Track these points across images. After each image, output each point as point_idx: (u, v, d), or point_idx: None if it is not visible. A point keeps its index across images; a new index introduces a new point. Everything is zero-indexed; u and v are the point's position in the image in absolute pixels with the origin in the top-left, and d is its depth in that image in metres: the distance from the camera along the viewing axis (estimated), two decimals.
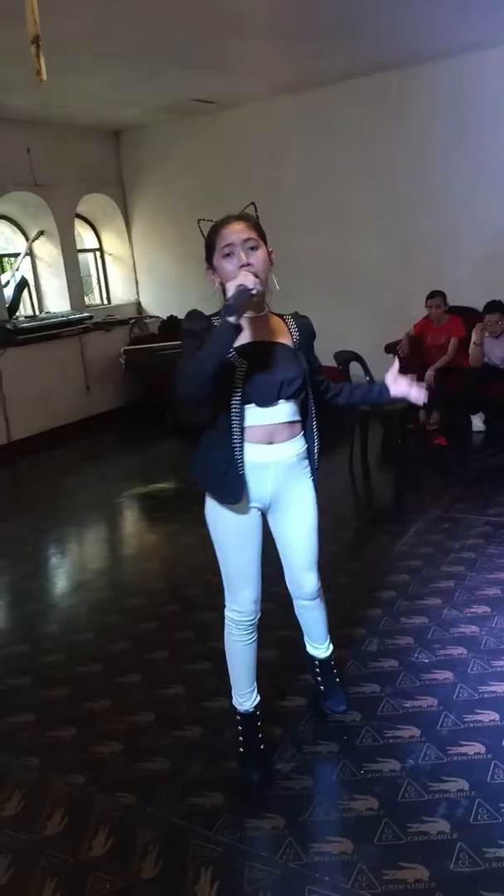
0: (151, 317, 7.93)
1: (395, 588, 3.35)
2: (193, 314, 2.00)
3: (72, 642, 3.18)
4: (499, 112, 5.70)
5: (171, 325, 7.39)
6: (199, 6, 4.08)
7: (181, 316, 7.19)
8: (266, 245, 1.98)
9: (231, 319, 1.81)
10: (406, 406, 5.49)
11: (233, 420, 2.00)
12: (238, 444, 2.02)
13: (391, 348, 6.04)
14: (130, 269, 8.07)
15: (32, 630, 3.35)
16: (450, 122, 5.92)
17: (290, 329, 2.10)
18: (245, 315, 1.92)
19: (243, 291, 1.83)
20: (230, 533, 2.13)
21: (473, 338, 5.42)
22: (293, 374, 2.01)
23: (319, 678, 2.47)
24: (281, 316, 2.12)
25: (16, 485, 5.99)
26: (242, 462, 2.04)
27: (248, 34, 4.69)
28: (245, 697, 2.28)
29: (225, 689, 2.65)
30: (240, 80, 5.90)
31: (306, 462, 2.16)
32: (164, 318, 7.58)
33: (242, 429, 2.01)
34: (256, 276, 1.88)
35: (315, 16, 4.47)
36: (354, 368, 5.43)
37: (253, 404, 2.01)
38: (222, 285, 1.96)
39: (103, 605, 3.54)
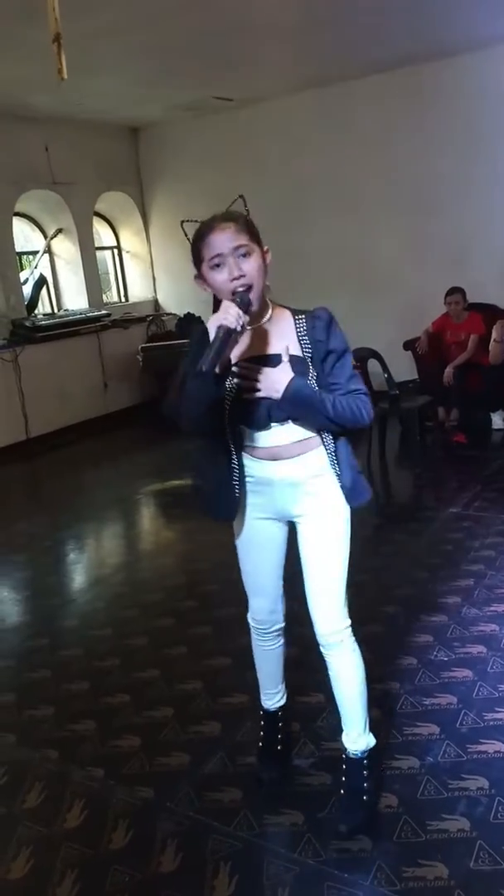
0: (169, 314, 7.95)
1: (415, 586, 3.33)
2: (196, 329, 1.80)
3: (90, 637, 3.20)
4: None
5: (188, 323, 7.40)
6: (217, 4, 4.07)
7: (198, 313, 7.21)
8: (260, 245, 1.73)
9: (204, 368, 1.59)
10: (424, 403, 5.47)
11: (228, 439, 1.85)
12: (236, 463, 1.88)
13: (410, 345, 6.01)
14: (148, 266, 8.09)
15: (51, 625, 3.37)
16: (471, 117, 5.87)
17: (297, 332, 1.80)
18: (248, 327, 1.73)
19: (227, 333, 1.60)
20: (245, 542, 2.04)
21: (494, 335, 5.38)
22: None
23: (343, 777, 2.06)
24: (295, 314, 1.83)
25: (34, 481, 6.03)
26: (241, 480, 1.89)
27: (266, 31, 4.68)
28: (268, 697, 2.26)
29: (242, 685, 2.67)
30: (258, 77, 5.89)
31: (328, 476, 1.88)
32: (182, 315, 7.60)
33: (241, 446, 1.86)
34: (248, 290, 1.67)
35: (333, 13, 4.45)
36: (373, 366, 5.41)
37: (246, 427, 1.83)
38: (215, 297, 1.76)
39: (121, 600, 3.56)
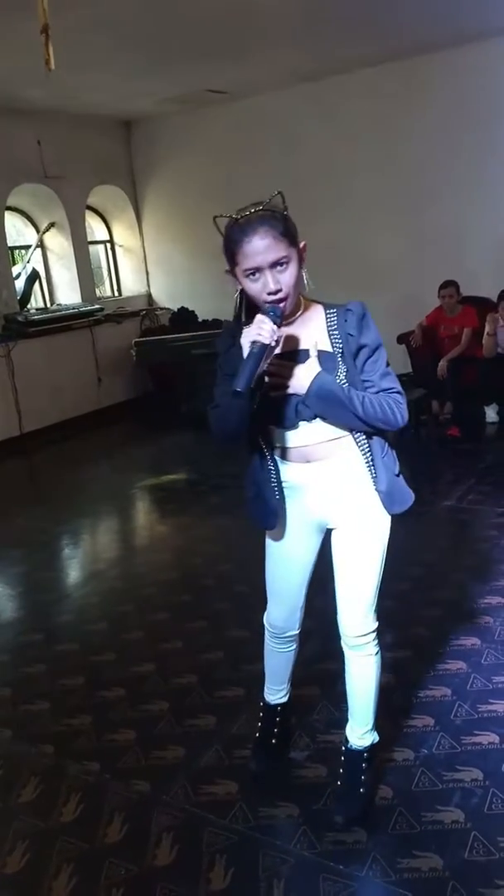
0: (162, 308, 7.93)
1: (410, 579, 3.33)
2: (223, 330, 1.79)
3: (86, 631, 3.20)
4: None
5: (181, 317, 7.39)
6: None
7: (192, 307, 7.18)
8: (297, 244, 1.67)
9: (239, 388, 1.57)
10: (419, 396, 5.48)
11: (261, 441, 1.84)
12: (273, 466, 1.84)
13: (403, 339, 6.01)
14: (141, 260, 8.07)
15: (47, 619, 3.37)
16: (466, 110, 5.86)
17: (328, 327, 1.76)
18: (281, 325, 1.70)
19: (262, 349, 1.59)
20: (271, 545, 2.01)
21: (487, 328, 5.38)
22: None
23: (341, 769, 2.08)
24: (327, 308, 1.78)
25: (28, 476, 6.02)
26: (279, 484, 1.85)
27: (260, 23, 4.66)
28: (271, 692, 2.26)
29: (237, 679, 2.68)
30: (253, 69, 5.86)
31: (364, 480, 1.82)
32: (175, 309, 7.57)
33: (273, 447, 1.83)
34: (282, 301, 1.65)
35: (327, 5, 4.43)
36: None
37: (275, 426, 1.80)
38: (243, 292, 1.73)
39: (117, 595, 3.55)
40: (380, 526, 1.88)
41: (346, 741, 2.09)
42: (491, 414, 5.71)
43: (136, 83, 5.94)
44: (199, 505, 4.74)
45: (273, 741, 2.26)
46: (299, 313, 1.77)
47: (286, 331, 1.75)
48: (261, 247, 1.60)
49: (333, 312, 1.76)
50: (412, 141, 6.14)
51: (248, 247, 1.61)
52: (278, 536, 1.98)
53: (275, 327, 1.60)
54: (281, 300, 1.65)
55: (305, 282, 1.71)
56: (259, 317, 1.62)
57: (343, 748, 2.10)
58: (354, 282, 6.60)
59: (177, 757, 2.33)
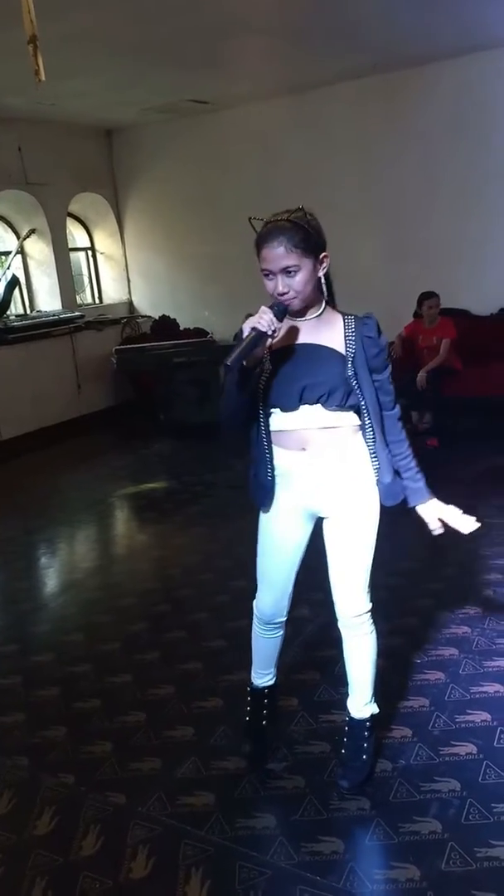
0: (143, 316, 7.91)
1: (387, 589, 3.33)
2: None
3: (62, 642, 3.16)
4: (496, 115, 5.73)
5: (163, 325, 7.38)
6: (194, 7, 4.07)
7: (173, 315, 7.17)
8: (315, 254, 1.85)
9: (229, 363, 1.76)
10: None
11: (261, 423, 1.97)
12: (268, 449, 1.98)
13: None
14: (122, 268, 8.05)
15: (22, 630, 3.33)
16: (445, 124, 5.93)
17: (345, 332, 1.92)
18: (296, 319, 1.92)
19: (259, 336, 1.77)
20: (263, 531, 2.12)
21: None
22: (320, 378, 1.88)
23: (345, 738, 2.22)
24: (344, 315, 1.95)
25: (6, 484, 5.95)
26: (272, 467, 1.99)
27: (243, 35, 4.69)
28: (258, 676, 2.32)
29: (215, 689, 2.67)
30: (234, 80, 5.89)
31: (359, 472, 1.99)
32: (156, 317, 7.57)
33: (270, 433, 1.98)
34: (289, 302, 1.83)
35: (310, 18, 4.47)
36: None
37: (278, 409, 1.95)
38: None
39: (94, 605, 3.52)
40: (372, 513, 2.03)
41: (349, 714, 2.21)
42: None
43: (119, 92, 5.94)
44: (179, 514, 4.73)
45: (263, 723, 2.31)
46: (316, 314, 1.93)
47: (300, 326, 1.93)
48: (272, 255, 1.83)
49: (351, 319, 1.94)
50: (392, 153, 6.20)
51: (264, 252, 1.85)
52: (270, 523, 2.09)
53: (274, 319, 1.78)
54: (289, 299, 1.84)
55: (324, 290, 1.93)
56: (263, 308, 1.81)
57: (346, 719, 2.21)
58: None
59: (154, 768, 2.31)
